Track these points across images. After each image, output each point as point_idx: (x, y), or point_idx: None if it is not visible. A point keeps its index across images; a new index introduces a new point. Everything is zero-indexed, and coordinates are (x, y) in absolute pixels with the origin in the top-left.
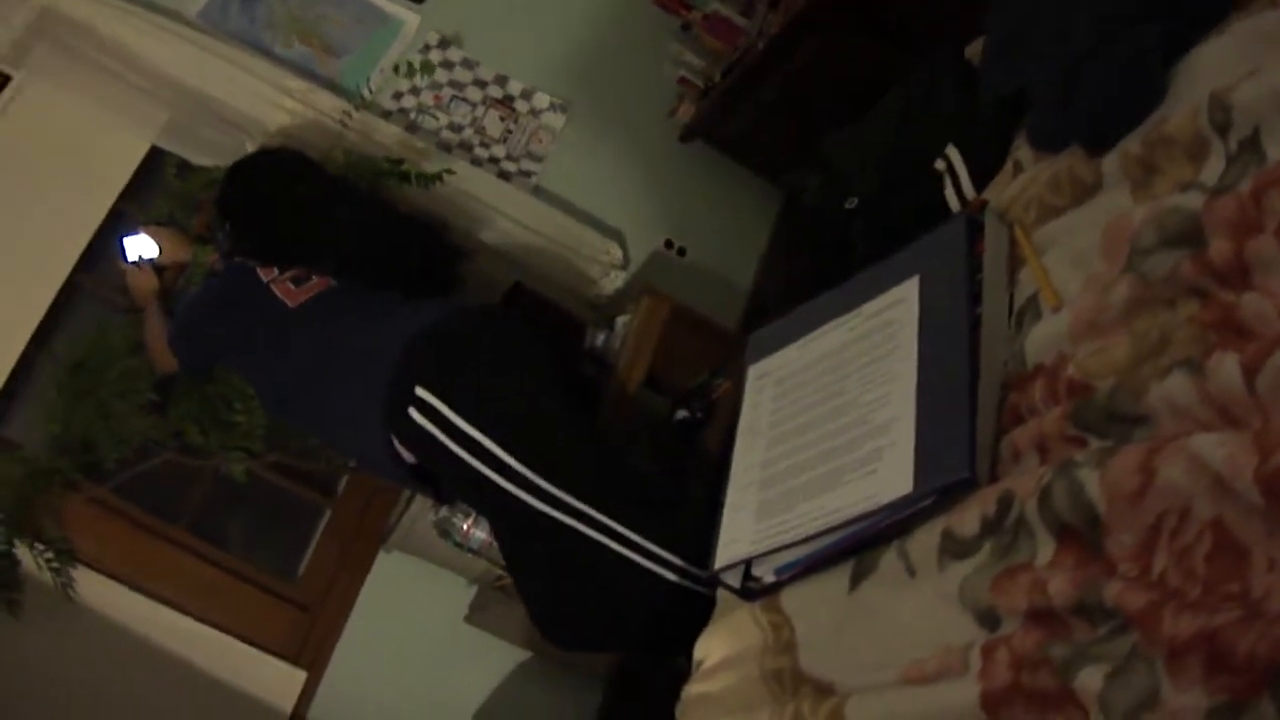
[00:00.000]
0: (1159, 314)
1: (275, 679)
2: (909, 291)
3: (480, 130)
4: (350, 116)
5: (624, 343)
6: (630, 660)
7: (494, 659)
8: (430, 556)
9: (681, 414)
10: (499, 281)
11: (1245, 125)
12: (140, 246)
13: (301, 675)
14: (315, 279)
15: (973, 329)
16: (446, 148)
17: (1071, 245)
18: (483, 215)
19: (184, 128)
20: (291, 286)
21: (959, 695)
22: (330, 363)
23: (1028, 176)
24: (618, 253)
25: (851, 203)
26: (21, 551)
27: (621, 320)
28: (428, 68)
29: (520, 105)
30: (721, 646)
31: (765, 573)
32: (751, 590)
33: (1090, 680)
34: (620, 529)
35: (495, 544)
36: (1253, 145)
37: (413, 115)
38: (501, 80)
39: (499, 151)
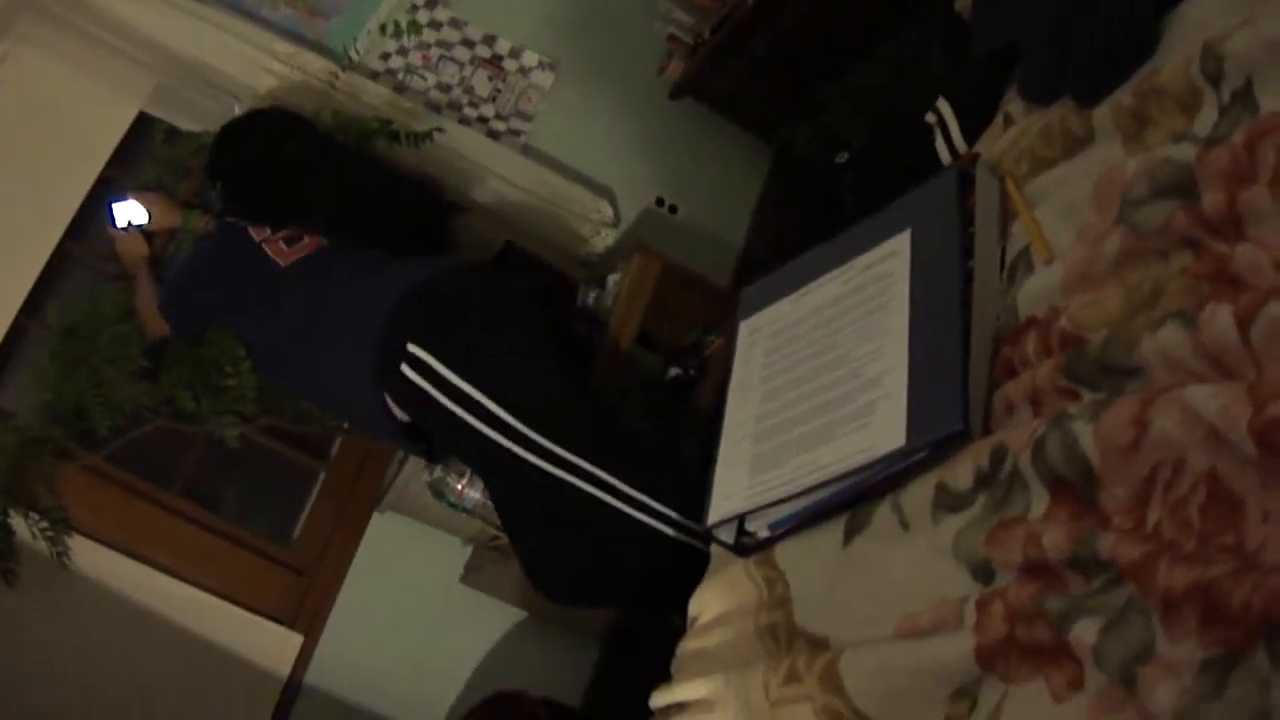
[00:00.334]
0: (1151, 266)
1: (271, 643)
2: (901, 245)
3: (469, 90)
4: (338, 78)
5: (616, 301)
6: (625, 617)
7: (490, 619)
8: (425, 517)
9: (674, 371)
10: (490, 241)
11: (1238, 76)
12: (129, 212)
13: (298, 639)
14: (307, 239)
15: (965, 282)
16: (435, 108)
17: (1063, 197)
18: (473, 175)
19: (171, 93)
20: (284, 246)
21: (953, 648)
22: (321, 321)
23: (1019, 129)
24: (608, 211)
25: (842, 157)
26: (16, 521)
27: (613, 278)
28: (415, 28)
29: (509, 64)
30: (716, 602)
31: (759, 528)
32: (745, 545)
33: (1085, 633)
34: (615, 482)
35: (489, 504)
36: (1245, 96)
37: (401, 76)
38: (489, 39)
39: (488, 111)
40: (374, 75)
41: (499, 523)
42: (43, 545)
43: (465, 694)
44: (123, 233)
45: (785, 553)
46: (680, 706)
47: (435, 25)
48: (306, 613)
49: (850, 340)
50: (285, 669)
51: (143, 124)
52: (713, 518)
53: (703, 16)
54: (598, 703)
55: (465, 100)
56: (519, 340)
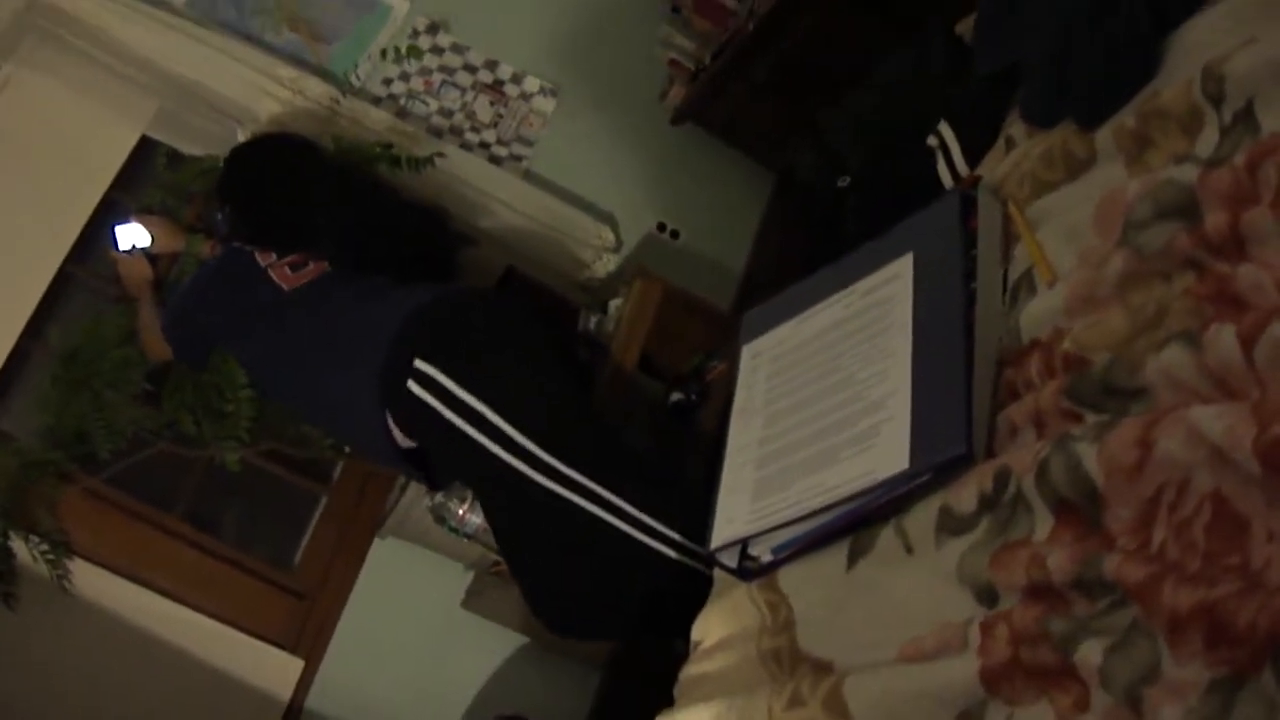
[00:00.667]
0: (1154, 287)
1: (273, 668)
2: (903, 268)
3: (470, 115)
4: (340, 103)
5: (617, 326)
6: (628, 643)
7: (491, 644)
8: (426, 542)
9: (676, 396)
10: (492, 266)
11: (1239, 97)
12: (132, 235)
13: (299, 663)
14: (312, 264)
15: (967, 305)
16: (437, 133)
17: (1065, 220)
18: (474, 200)
19: (174, 117)
20: (289, 271)
21: (958, 671)
22: (325, 345)
23: (1020, 152)
24: (610, 236)
25: (844, 181)
26: (16, 544)
27: (615, 303)
28: (417, 53)
29: (510, 89)
30: (719, 627)
31: (762, 552)
32: (749, 570)
33: (1090, 654)
34: (620, 504)
35: (490, 529)
36: (1247, 117)
37: (403, 101)
38: (491, 65)
39: (489, 136)
40: (376, 100)
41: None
42: (43, 568)
43: (466, 719)
44: (126, 255)
45: (789, 577)
46: None
47: (437, 50)
48: (308, 637)
49: (853, 364)
50: (286, 694)
51: (146, 147)
52: (716, 542)
53: (704, 42)
54: None
55: (467, 125)
56: (525, 358)
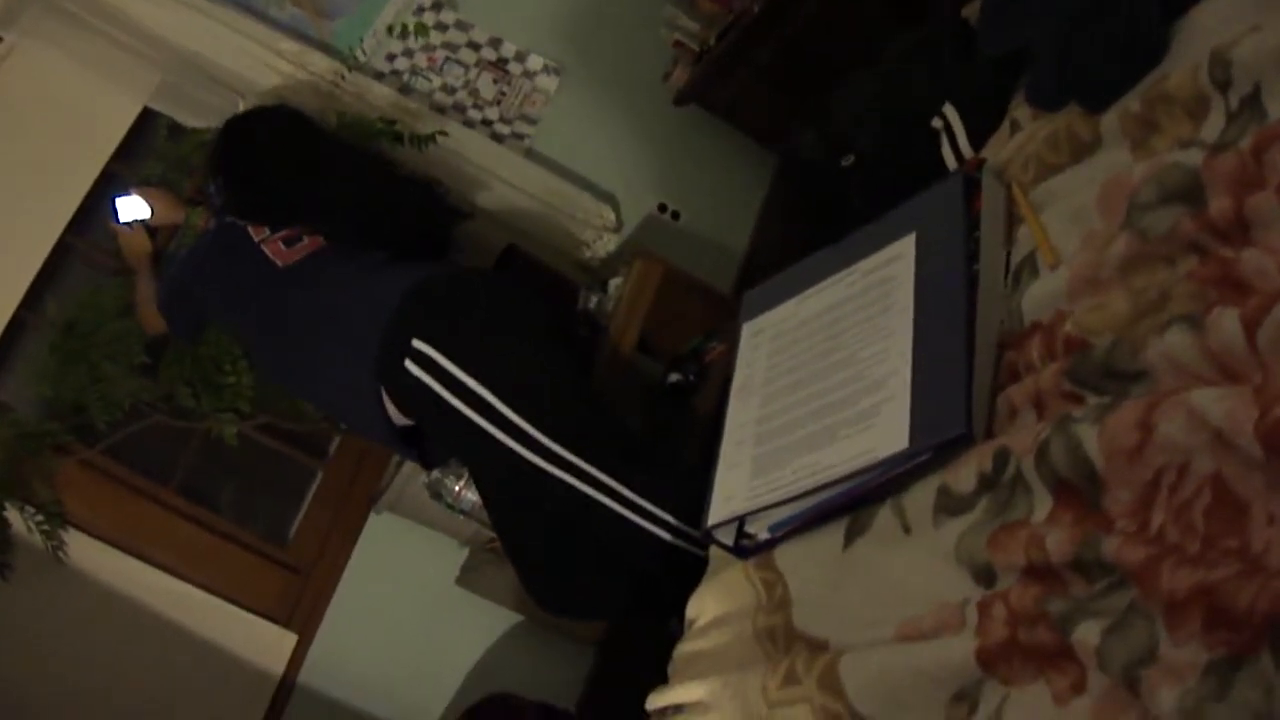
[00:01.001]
0: (1158, 270)
1: (266, 642)
2: (906, 248)
3: (474, 92)
4: (343, 78)
5: (617, 305)
6: (621, 622)
7: (485, 621)
8: (422, 519)
9: (674, 377)
10: (492, 244)
11: (1246, 82)
12: (132, 207)
13: (292, 638)
14: (307, 239)
15: (969, 286)
16: (440, 109)
17: (1070, 203)
18: (476, 177)
19: (176, 89)
20: (283, 246)
21: (955, 651)
22: (320, 323)
23: (1025, 135)
24: (611, 216)
25: (848, 160)
26: (12, 514)
27: (615, 283)
28: (421, 29)
29: (514, 68)
30: (714, 605)
31: (759, 530)
32: (745, 548)
33: (1088, 635)
34: (615, 485)
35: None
36: (1253, 102)
37: (406, 77)
38: (495, 42)
39: (492, 114)
40: (379, 76)
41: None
42: (38, 539)
43: (459, 696)
44: (125, 228)
45: (785, 555)
46: (676, 708)
47: (441, 27)
48: (302, 612)
49: (854, 343)
50: (279, 668)
51: (147, 119)
52: (713, 519)
53: (708, 24)
54: (592, 706)
55: (470, 103)
56: (523, 339)
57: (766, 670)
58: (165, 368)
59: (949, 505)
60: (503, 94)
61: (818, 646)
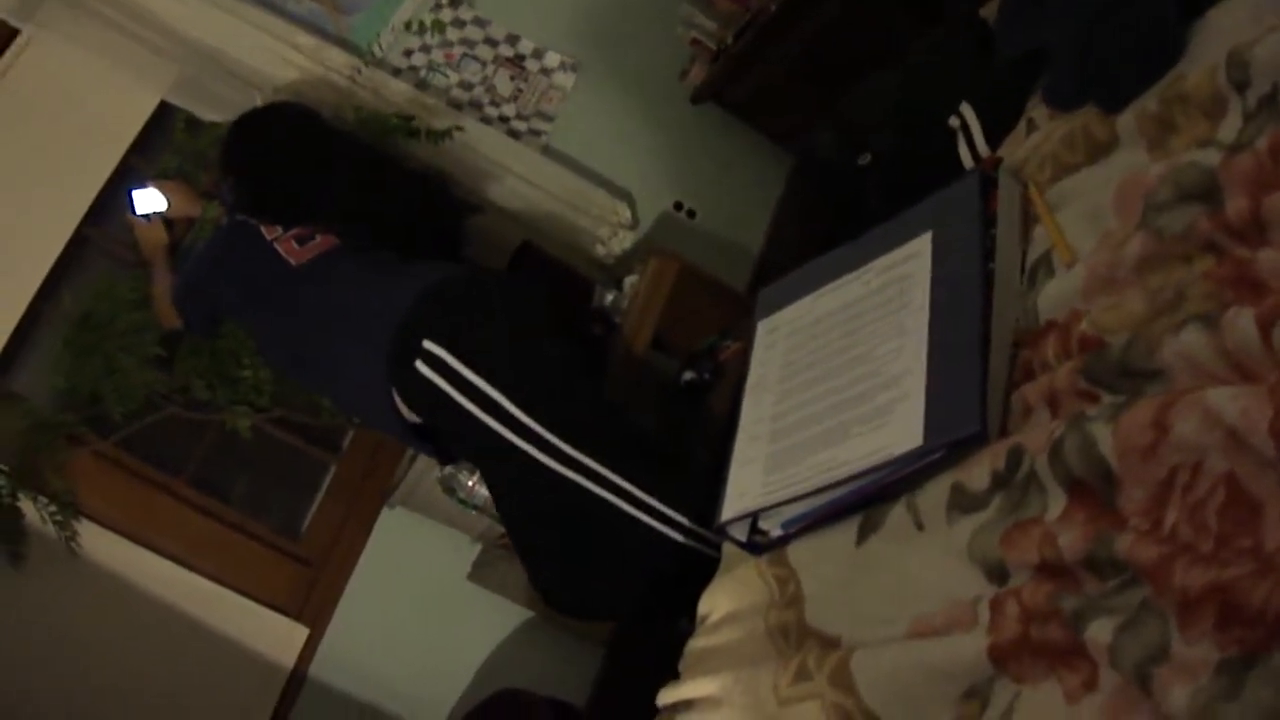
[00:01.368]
0: (1173, 270)
1: (277, 634)
2: (922, 247)
3: (490, 89)
4: (360, 73)
5: (632, 303)
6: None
7: (496, 617)
8: (435, 513)
9: (689, 375)
10: (507, 240)
11: (1264, 82)
12: (149, 200)
13: (304, 631)
14: (319, 237)
15: (985, 285)
16: (457, 106)
17: (1086, 202)
18: (492, 174)
19: (193, 83)
20: (295, 245)
21: (967, 648)
22: (334, 321)
23: (1042, 134)
24: (626, 213)
25: (865, 159)
26: (25, 504)
27: (630, 280)
28: (439, 26)
29: (531, 64)
30: (727, 601)
31: (772, 526)
32: (758, 544)
33: (1100, 632)
34: (628, 486)
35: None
36: (1271, 103)
37: (423, 73)
38: (512, 39)
39: (509, 110)
40: (396, 72)
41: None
42: (51, 529)
43: (469, 691)
44: (142, 220)
45: (798, 552)
46: (687, 704)
47: (459, 24)
48: (313, 606)
49: (869, 341)
50: (290, 661)
51: (164, 113)
52: (726, 514)
53: (726, 23)
54: (602, 703)
55: (487, 99)
56: (535, 340)
57: (778, 666)
58: (181, 360)
59: (962, 503)
60: (520, 91)
61: (829, 643)
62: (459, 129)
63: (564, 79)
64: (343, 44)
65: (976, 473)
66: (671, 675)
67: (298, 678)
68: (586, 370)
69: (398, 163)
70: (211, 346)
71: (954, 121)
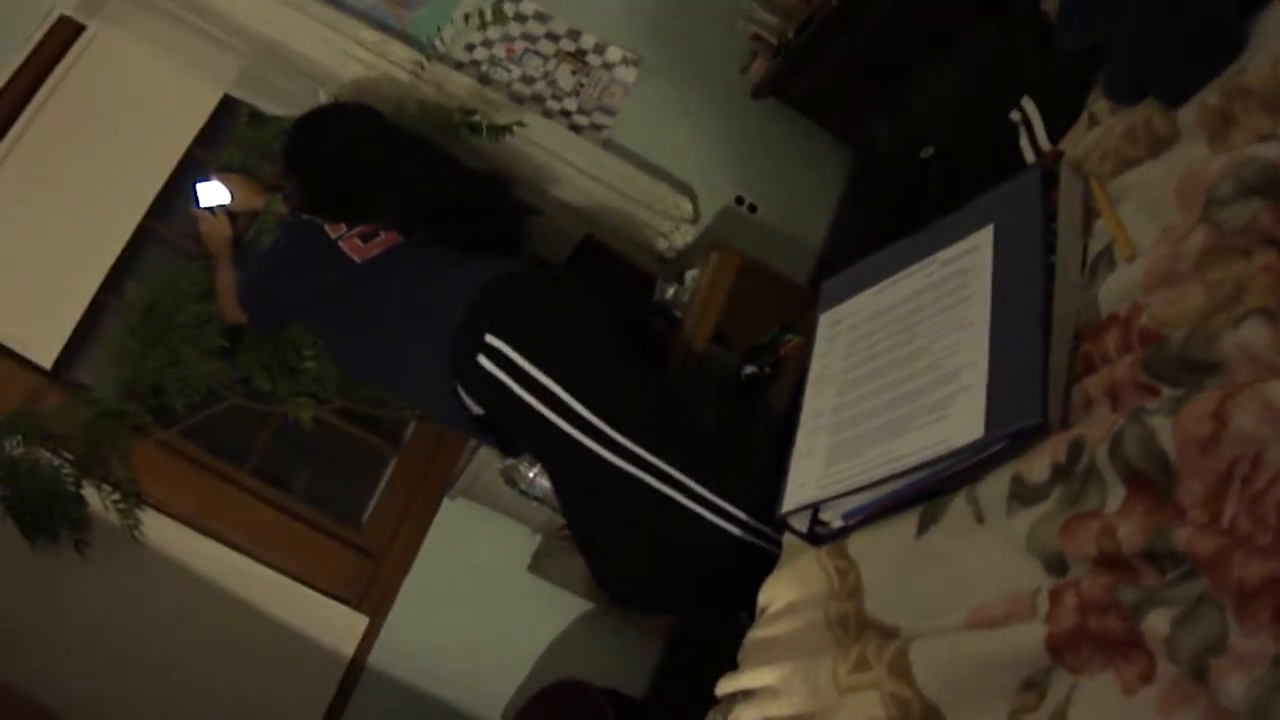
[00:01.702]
0: (1234, 264)
1: (337, 623)
2: (983, 240)
3: (552, 83)
4: (423, 68)
5: (693, 297)
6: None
7: (555, 610)
8: (495, 505)
9: (749, 369)
10: (569, 234)
11: None
12: (213, 193)
13: (364, 620)
14: (383, 234)
15: (1046, 278)
16: (518, 100)
17: (1147, 196)
18: (554, 168)
19: (256, 77)
20: (360, 243)
21: (1025, 638)
22: (398, 317)
23: (1103, 128)
24: (688, 207)
25: (927, 152)
26: (89, 492)
27: (691, 274)
28: (501, 19)
29: (592, 59)
30: (787, 591)
31: (832, 518)
32: (818, 535)
33: (1158, 624)
34: (688, 482)
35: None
36: None
37: (485, 67)
38: (574, 34)
39: (570, 105)
40: (458, 66)
41: (565, 519)
42: (114, 517)
43: (528, 682)
44: (206, 213)
45: (858, 543)
46: (746, 694)
47: (521, 18)
48: (373, 595)
49: (930, 333)
50: (350, 649)
51: (228, 106)
52: (787, 506)
53: (787, 17)
54: (661, 694)
55: (549, 93)
56: (596, 336)
57: (837, 656)
58: (243, 352)
59: (1022, 495)
60: (581, 85)
61: (889, 633)
62: (521, 124)
63: (626, 74)
64: (405, 38)
65: (1037, 465)
66: (730, 668)
67: (357, 666)
68: (647, 364)
69: (459, 163)
70: (274, 339)
71: (1015, 115)
